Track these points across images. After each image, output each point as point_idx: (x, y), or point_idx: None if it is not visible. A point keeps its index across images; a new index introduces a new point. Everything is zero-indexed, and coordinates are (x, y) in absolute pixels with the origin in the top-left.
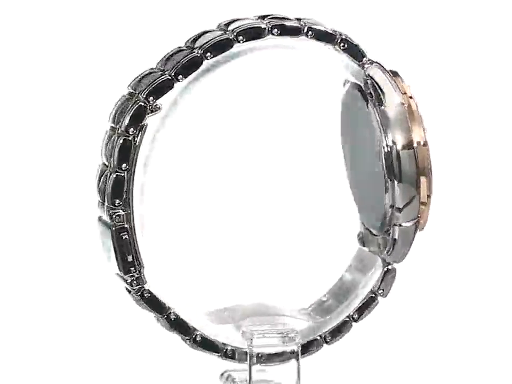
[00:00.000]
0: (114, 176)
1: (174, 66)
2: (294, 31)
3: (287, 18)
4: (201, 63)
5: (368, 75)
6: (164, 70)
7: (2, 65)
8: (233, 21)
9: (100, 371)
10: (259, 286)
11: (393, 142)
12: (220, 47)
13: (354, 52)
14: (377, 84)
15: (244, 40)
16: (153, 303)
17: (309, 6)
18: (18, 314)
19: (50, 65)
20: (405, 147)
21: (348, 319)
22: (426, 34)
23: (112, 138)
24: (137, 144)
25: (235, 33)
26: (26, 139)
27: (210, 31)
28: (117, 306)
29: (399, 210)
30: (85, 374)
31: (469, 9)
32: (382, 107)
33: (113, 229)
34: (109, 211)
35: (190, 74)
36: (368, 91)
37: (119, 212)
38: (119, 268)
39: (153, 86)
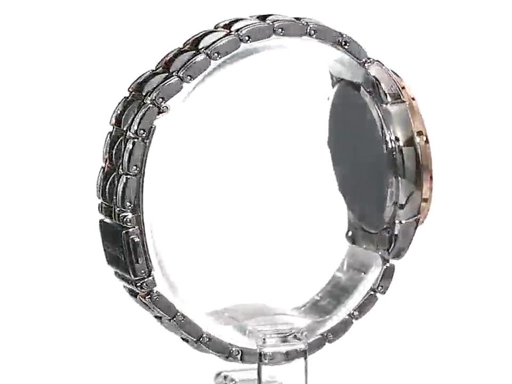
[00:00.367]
0: (124, 178)
1: (181, 68)
2: (298, 31)
3: (288, 19)
4: (210, 64)
5: (370, 73)
6: (169, 71)
7: (1, 67)
8: (234, 21)
9: (99, 371)
10: (254, 286)
11: (396, 139)
12: (228, 47)
13: (356, 51)
14: (378, 81)
15: (251, 40)
16: (163, 305)
17: (307, 6)
18: (20, 318)
19: (50, 66)
20: (408, 143)
21: (348, 317)
22: (426, 34)
23: (120, 141)
24: (147, 146)
25: (241, 34)
26: (25, 140)
27: (212, 32)
28: (116, 307)
29: (402, 206)
30: (85, 374)
31: (468, 9)
32: (384, 104)
33: (124, 232)
34: (119, 214)
35: (199, 75)
36: (368, 89)
37: (129, 214)
38: (130, 271)
39: (162, 87)
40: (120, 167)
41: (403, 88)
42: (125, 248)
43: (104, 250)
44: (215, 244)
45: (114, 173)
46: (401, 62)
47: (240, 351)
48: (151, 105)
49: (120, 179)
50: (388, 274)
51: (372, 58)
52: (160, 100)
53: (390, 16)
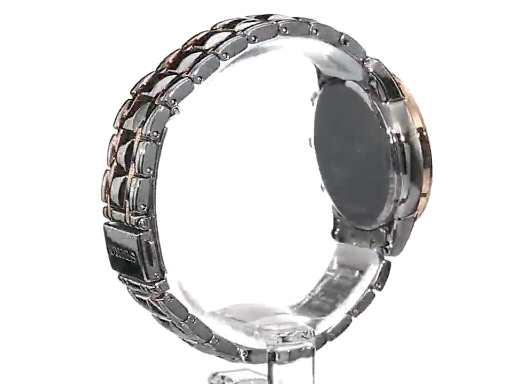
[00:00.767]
0: (138, 181)
1: (191, 69)
2: (302, 31)
3: (290, 18)
4: (219, 64)
5: (369, 71)
6: (177, 73)
7: (3, 68)
8: (235, 21)
9: (97, 371)
10: (245, 286)
11: (397, 135)
12: (236, 47)
13: (355, 50)
14: (378, 79)
15: (257, 40)
16: (176, 308)
17: (305, 6)
18: (22, 321)
19: (50, 67)
20: (408, 139)
21: (348, 315)
22: (426, 34)
23: (130, 143)
24: (159, 148)
25: (248, 34)
26: (25, 142)
27: (215, 33)
28: (115, 308)
29: (403, 201)
30: (82, 374)
31: (467, 8)
32: (383, 102)
33: (140, 234)
34: (132, 217)
35: (208, 76)
36: (366, 87)
37: (143, 217)
38: (143, 274)
39: (175, 88)
40: (132, 169)
41: (401, 85)
42: (138, 252)
43: (109, 254)
44: (214, 244)
45: (124, 176)
46: (401, 62)
47: (247, 352)
48: (163, 107)
49: (132, 182)
50: (385, 271)
51: (371, 56)
52: (173, 101)
53: (386, 15)
